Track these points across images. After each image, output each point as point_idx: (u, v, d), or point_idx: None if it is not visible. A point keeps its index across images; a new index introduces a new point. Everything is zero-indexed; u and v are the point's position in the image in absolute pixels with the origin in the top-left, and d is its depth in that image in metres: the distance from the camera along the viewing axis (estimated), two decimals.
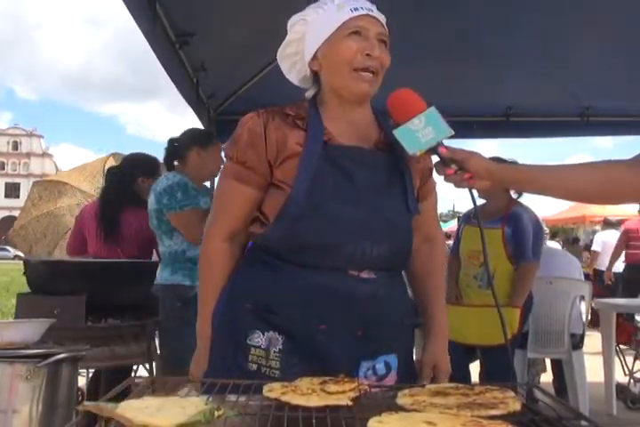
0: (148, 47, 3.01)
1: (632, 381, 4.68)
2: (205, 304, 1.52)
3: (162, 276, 2.84)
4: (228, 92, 4.35)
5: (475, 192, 1.41)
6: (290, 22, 1.54)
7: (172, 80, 3.55)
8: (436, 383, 1.50)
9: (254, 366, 1.42)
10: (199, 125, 4.43)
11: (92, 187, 5.05)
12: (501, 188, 3.38)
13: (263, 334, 1.43)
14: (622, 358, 4.67)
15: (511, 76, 4.20)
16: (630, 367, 4.71)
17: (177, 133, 3.10)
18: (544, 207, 15.66)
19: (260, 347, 1.43)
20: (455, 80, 4.16)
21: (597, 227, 11.80)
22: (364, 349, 1.45)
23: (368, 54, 1.43)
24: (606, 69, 4.03)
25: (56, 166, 65.31)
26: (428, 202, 1.64)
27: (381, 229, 1.45)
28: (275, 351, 1.42)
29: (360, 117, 1.53)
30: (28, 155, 68.96)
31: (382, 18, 1.51)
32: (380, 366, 1.47)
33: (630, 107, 4.73)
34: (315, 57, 1.50)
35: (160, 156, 3.20)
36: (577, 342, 4.03)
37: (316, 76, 1.54)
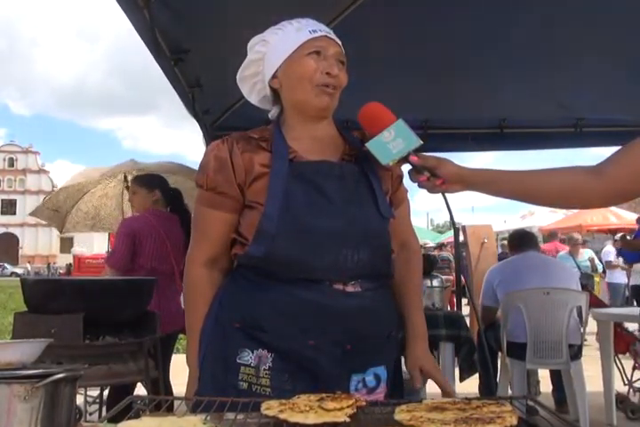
0: (143, 62, 3.07)
1: (631, 390, 4.68)
2: (192, 330, 1.54)
3: None
4: (224, 107, 4.37)
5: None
6: (250, 44, 1.60)
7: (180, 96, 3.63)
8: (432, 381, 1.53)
9: (245, 385, 1.43)
10: (198, 139, 4.49)
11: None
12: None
13: (252, 353, 1.45)
14: (621, 368, 4.66)
15: (504, 88, 4.23)
16: (629, 377, 4.70)
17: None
18: (540, 217, 15.66)
19: (249, 365, 1.44)
20: (449, 93, 4.19)
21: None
22: (353, 362, 1.46)
23: (328, 73, 1.49)
24: (598, 81, 4.07)
25: (52, 183, 65.28)
26: (402, 209, 1.68)
27: (359, 235, 1.48)
28: (264, 369, 1.43)
29: (323, 133, 1.57)
30: (24, 171, 68.95)
31: (339, 41, 1.57)
32: (370, 379, 1.49)
33: (623, 117, 4.75)
34: (275, 76, 1.55)
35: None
36: (575, 353, 4.02)
37: (276, 96, 1.59)
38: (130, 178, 4.83)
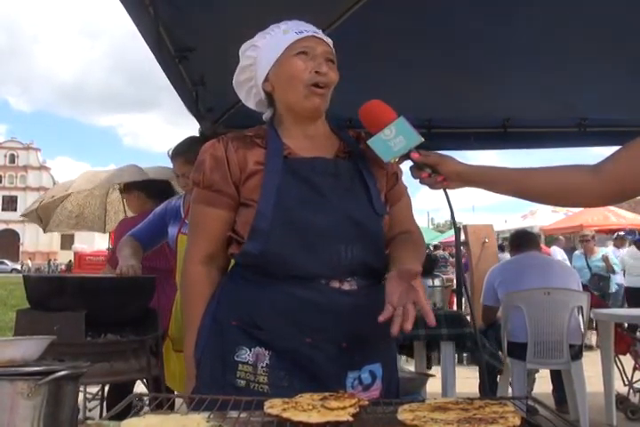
0: (145, 59, 3.05)
1: (632, 391, 4.68)
2: (190, 328, 1.55)
3: None
4: (227, 105, 4.36)
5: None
6: (241, 49, 1.62)
7: (179, 93, 3.61)
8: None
9: (243, 383, 1.44)
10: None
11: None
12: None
13: (250, 350, 1.46)
14: (621, 369, 4.66)
15: (508, 88, 4.23)
16: (630, 378, 4.70)
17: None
18: (541, 217, 15.65)
19: (247, 363, 1.45)
20: (453, 93, 4.19)
21: None
22: (349, 360, 1.47)
23: (317, 72, 1.50)
24: (602, 81, 4.07)
25: (53, 179, 65.33)
26: (402, 204, 1.68)
27: (352, 231, 1.49)
28: (262, 367, 1.45)
29: (317, 132, 1.59)
30: (25, 168, 69.01)
31: (329, 40, 1.58)
32: (366, 376, 1.50)
33: (626, 117, 4.75)
34: (267, 79, 1.57)
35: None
36: (576, 353, 4.02)
37: (270, 99, 1.61)
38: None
